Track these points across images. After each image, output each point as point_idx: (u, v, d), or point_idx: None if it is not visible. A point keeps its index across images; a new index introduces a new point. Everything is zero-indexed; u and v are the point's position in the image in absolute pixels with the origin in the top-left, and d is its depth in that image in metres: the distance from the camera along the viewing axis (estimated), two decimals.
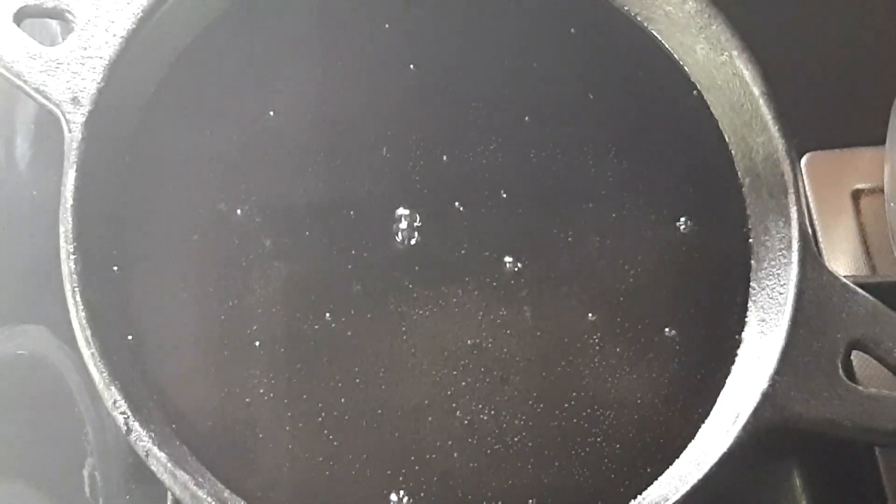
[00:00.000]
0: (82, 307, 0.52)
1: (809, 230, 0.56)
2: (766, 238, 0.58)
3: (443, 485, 0.53)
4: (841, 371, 0.53)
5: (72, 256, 0.53)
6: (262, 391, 0.54)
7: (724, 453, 0.51)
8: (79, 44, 0.57)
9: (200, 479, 0.51)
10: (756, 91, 0.58)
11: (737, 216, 0.59)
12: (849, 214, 0.64)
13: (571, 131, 0.60)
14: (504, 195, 0.59)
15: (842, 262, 0.63)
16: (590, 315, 0.57)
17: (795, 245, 0.55)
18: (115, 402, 0.51)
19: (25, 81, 0.56)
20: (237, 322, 0.56)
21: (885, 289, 0.56)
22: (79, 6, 0.57)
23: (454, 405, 0.55)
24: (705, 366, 0.56)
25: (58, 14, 0.58)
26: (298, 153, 0.59)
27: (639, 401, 0.55)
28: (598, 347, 0.56)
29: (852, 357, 0.56)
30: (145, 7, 0.58)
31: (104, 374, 0.51)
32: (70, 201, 0.54)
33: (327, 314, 0.56)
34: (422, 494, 0.53)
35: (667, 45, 0.62)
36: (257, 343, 0.55)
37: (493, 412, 0.55)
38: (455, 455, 0.54)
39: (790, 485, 0.60)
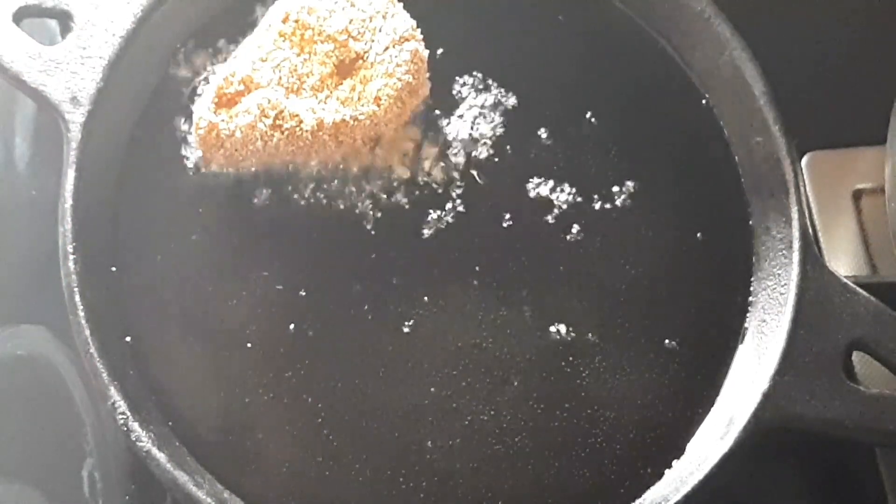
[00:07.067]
0: (82, 307, 0.52)
1: (810, 230, 0.56)
2: (767, 238, 0.57)
3: (443, 485, 0.53)
4: (842, 371, 0.53)
5: (71, 256, 0.53)
6: (261, 391, 0.54)
7: (725, 454, 0.51)
8: (78, 43, 0.57)
9: (200, 480, 0.51)
10: (756, 91, 0.58)
11: (737, 215, 0.59)
12: (849, 214, 0.64)
13: (571, 131, 0.60)
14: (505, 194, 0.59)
15: (842, 262, 0.63)
16: (590, 315, 0.56)
17: (796, 245, 0.55)
18: (114, 402, 0.51)
19: (24, 81, 0.56)
20: (236, 322, 0.56)
21: (886, 289, 0.56)
22: (78, 6, 0.57)
23: (454, 405, 0.55)
24: (706, 366, 0.56)
25: (57, 14, 0.58)
26: None
27: (639, 401, 0.55)
28: (598, 347, 0.56)
29: (853, 357, 0.56)
30: (145, 7, 0.58)
31: (103, 374, 0.51)
32: (69, 201, 0.54)
33: (327, 314, 0.56)
34: (422, 495, 0.53)
35: (667, 45, 0.62)
36: (257, 343, 0.55)
37: (493, 412, 0.55)
38: (455, 455, 0.54)
39: (791, 485, 0.60)
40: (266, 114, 0.55)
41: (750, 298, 0.57)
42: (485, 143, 0.59)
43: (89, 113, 0.56)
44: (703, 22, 0.60)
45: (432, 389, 0.55)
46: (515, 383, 0.55)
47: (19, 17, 0.57)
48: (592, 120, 0.60)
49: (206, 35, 0.61)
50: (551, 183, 0.59)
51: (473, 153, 0.59)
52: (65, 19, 0.58)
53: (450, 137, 0.59)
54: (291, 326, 0.56)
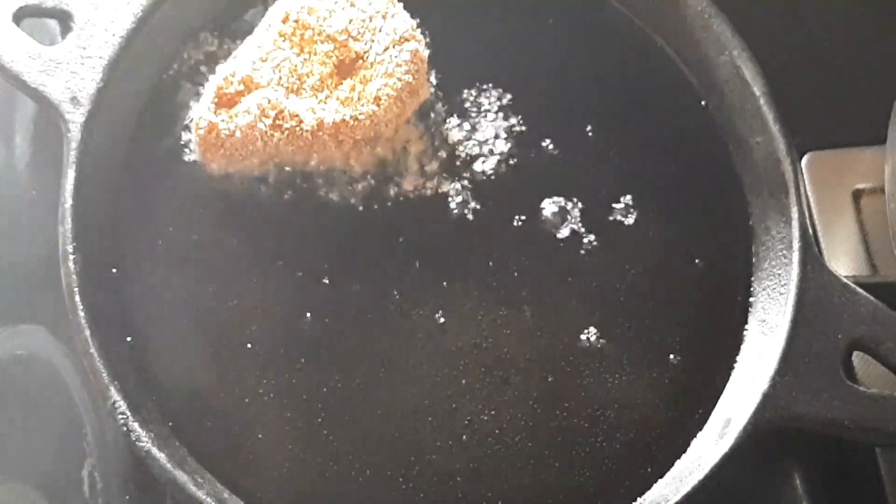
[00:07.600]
0: (81, 307, 0.52)
1: (810, 230, 0.56)
2: (767, 238, 0.57)
3: (443, 485, 0.53)
4: (842, 371, 0.53)
5: (71, 257, 0.53)
6: (261, 391, 0.54)
7: (725, 454, 0.51)
8: (78, 44, 0.57)
9: (200, 480, 0.51)
10: (756, 91, 0.58)
11: (737, 215, 0.59)
12: (849, 214, 0.64)
13: (572, 135, 0.60)
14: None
15: (842, 262, 0.63)
16: (590, 315, 0.56)
17: (796, 245, 0.55)
18: (114, 402, 0.51)
19: (24, 81, 0.56)
20: (236, 322, 0.56)
21: (886, 289, 0.56)
22: (78, 6, 0.57)
23: (454, 405, 0.55)
24: (706, 366, 0.56)
25: (57, 14, 0.58)
26: None
27: (639, 401, 0.55)
28: (598, 347, 0.56)
29: (853, 357, 0.56)
30: (145, 7, 0.58)
31: (103, 375, 0.51)
32: (69, 201, 0.54)
33: (327, 314, 0.56)
34: (422, 495, 0.53)
35: (667, 46, 0.62)
36: (257, 343, 0.55)
37: (493, 412, 0.55)
38: (455, 455, 0.54)
39: (791, 485, 0.59)
40: (266, 114, 0.55)
41: (750, 298, 0.57)
42: (486, 146, 0.60)
43: (89, 113, 0.56)
44: (703, 22, 0.60)
45: (432, 389, 0.55)
46: (516, 383, 0.55)
47: (19, 17, 0.57)
48: (593, 123, 0.60)
49: (205, 35, 0.61)
50: (553, 186, 0.59)
51: (475, 156, 0.59)
52: (65, 19, 0.58)
53: (451, 140, 0.60)
54: (292, 327, 0.56)
